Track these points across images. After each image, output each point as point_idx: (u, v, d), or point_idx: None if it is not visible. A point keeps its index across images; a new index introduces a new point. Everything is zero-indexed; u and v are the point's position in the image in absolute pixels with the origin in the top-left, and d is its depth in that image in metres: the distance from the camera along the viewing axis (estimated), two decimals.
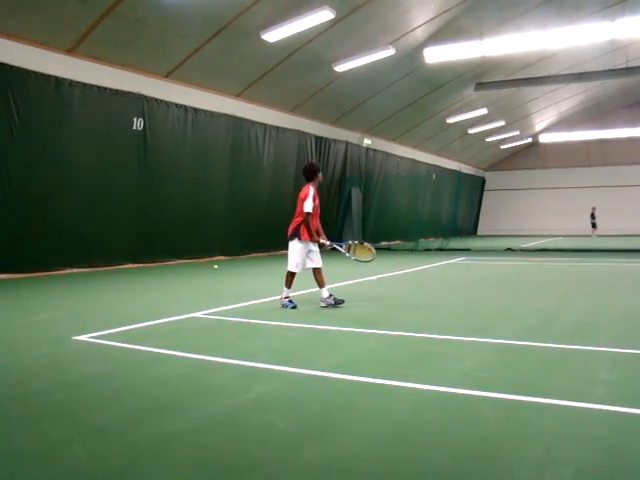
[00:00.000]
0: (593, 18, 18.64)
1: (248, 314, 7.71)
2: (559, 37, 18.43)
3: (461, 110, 27.62)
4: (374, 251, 9.15)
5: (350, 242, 9.39)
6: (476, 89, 25.10)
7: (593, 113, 36.97)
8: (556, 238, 32.68)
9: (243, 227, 18.74)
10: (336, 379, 4.63)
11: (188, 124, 16.47)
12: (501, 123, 31.88)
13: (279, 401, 4.12)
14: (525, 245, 25.27)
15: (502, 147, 38.53)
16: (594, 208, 34.51)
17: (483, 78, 24.49)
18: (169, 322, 7.08)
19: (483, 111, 28.12)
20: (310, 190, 8.45)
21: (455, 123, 28.92)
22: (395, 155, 29.12)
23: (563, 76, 25.27)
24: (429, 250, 22.60)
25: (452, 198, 34.98)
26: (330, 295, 8.39)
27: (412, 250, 23.03)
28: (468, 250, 22.15)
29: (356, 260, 9.25)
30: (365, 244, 9.33)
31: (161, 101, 15.54)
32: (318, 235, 8.57)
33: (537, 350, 5.69)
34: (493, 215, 42.26)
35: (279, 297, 8.46)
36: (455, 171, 34.27)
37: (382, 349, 5.82)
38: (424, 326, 6.89)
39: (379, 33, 17.83)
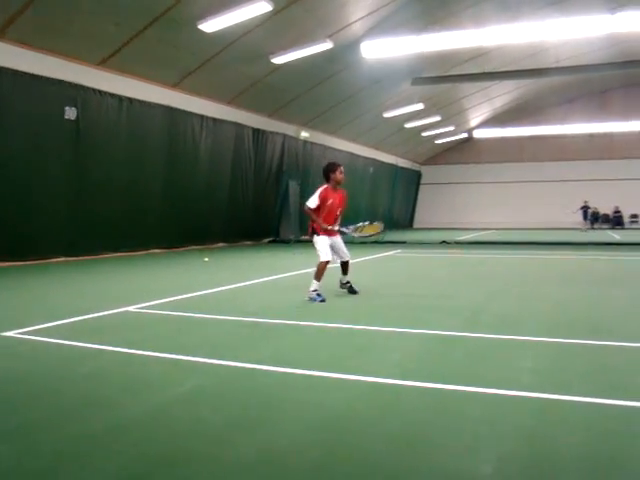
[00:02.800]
0: (526, 18, 19.09)
1: (183, 307, 7.65)
2: (494, 35, 18.84)
3: (398, 104, 27.93)
4: (381, 227, 9.85)
5: (360, 224, 9.80)
6: (413, 84, 25.41)
7: (526, 110, 37.92)
8: (489, 231, 33.40)
9: (180, 219, 18.53)
10: (270, 371, 4.64)
11: (123, 114, 16.16)
12: (437, 118, 32.37)
13: (212, 395, 4.12)
14: (459, 238, 25.75)
15: (437, 142, 39.16)
16: (586, 202, 34.80)
17: (420, 73, 24.81)
18: (101, 317, 6.95)
19: (419, 106, 28.51)
20: (319, 189, 8.54)
21: (392, 117, 29.23)
22: (333, 148, 29.23)
23: (497, 73, 25.83)
24: (365, 243, 22.77)
25: (389, 191, 35.37)
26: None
27: (350, 243, 23.12)
28: (404, 243, 22.44)
29: (360, 236, 9.78)
30: (375, 223, 9.82)
31: (95, 90, 15.20)
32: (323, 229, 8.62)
33: (467, 340, 5.84)
34: (429, 208, 42.96)
35: (310, 289, 8.31)
36: (392, 165, 34.65)
37: (317, 341, 5.86)
38: (359, 318, 6.95)
39: (317, 26, 17.86)
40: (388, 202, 36.20)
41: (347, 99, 24.95)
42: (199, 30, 15.21)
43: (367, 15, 18.69)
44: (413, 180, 42.67)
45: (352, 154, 31.49)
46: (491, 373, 4.63)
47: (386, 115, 28.71)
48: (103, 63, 15.30)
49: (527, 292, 9.32)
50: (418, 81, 25.29)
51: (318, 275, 8.40)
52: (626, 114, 35.78)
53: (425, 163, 43.36)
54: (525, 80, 29.62)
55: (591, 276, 11.73)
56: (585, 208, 34.19)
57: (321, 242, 8.62)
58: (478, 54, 23.74)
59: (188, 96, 18.50)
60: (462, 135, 39.63)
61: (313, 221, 8.63)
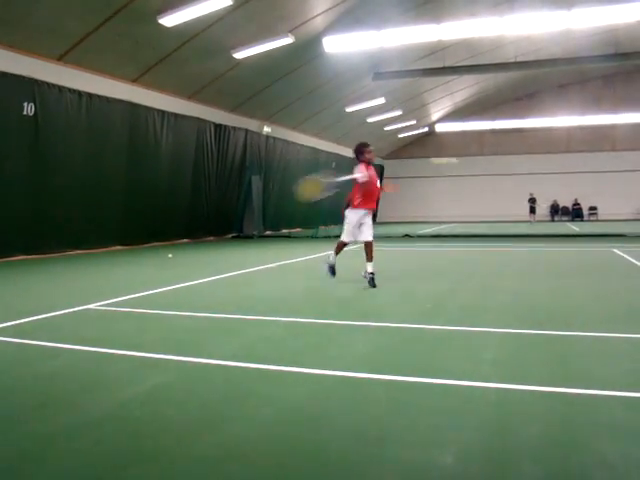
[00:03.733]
0: (485, 13, 19.30)
1: (145, 304, 7.60)
2: (453, 30, 19.03)
3: (360, 99, 28.02)
4: None
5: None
6: (374, 79, 25.51)
7: (486, 104, 38.37)
8: (451, 224, 33.74)
9: (142, 216, 18.33)
10: (233, 367, 4.65)
11: (82, 110, 15.91)
12: (399, 112, 32.57)
13: (174, 392, 4.11)
14: (422, 231, 26.00)
15: (399, 136, 39.37)
16: (532, 194, 35.87)
17: (381, 68, 24.91)
18: (61, 315, 6.87)
19: (381, 100, 28.64)
20: (359, 166, 9.01)
21: (354, 112, 29.31)
22: (295, 143, 29.22)
23: (457, 68, 26.07)
24: (329, 237, 22.86)
25: (351, 185, 35.43)
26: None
27: (312, 237, 23.24)
28: None
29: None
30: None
31: (53, 85, 14.93)
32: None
33: (429, 332, 5.92)
34: (392, 202, 43.05)
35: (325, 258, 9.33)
36: (354, 159, 34.69)
37: (280, 336, 5.88)
38: (321, 312, 7.00)
39: (278, 21, 17.82)
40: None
41: (309, 94, 24.96)
42: (159, 24, 15.06)
43: (328, 10, 18.71)
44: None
45: (315, 149, 31.53)
46: (452, 364, 4.69)
47: (348, 110, 28.78)
48: (62, 58, 15.05)
49: (487, 284, 9.47)
50: (379, 76, 25.39)
51: (337, 250, 9.18)
52: (583, 109, 36.46)
53: (388, 157, 43.57)
54: (485, 75, 29.98)
55: (549, 267, 11.95)
56: (532, 201, 35.00)
57: (348, 220, 8.98)
58: (438, 49, 23.92)
59: (149, 91, 18.32)
60: (424, 129, 39.94)
61: (358, 193, 8.95)
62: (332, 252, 9.23)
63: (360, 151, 9.12)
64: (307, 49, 20.16)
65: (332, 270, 9.22)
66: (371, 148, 9.15)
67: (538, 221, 35.06)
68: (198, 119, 20.86)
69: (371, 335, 5.86)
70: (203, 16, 15.16)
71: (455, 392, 4.05)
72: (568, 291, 8.62)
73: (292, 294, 8.71)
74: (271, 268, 12.14)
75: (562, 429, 3.37)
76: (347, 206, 9.06)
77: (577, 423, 3.46)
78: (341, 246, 9.11)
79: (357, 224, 8.94)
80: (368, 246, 8.92)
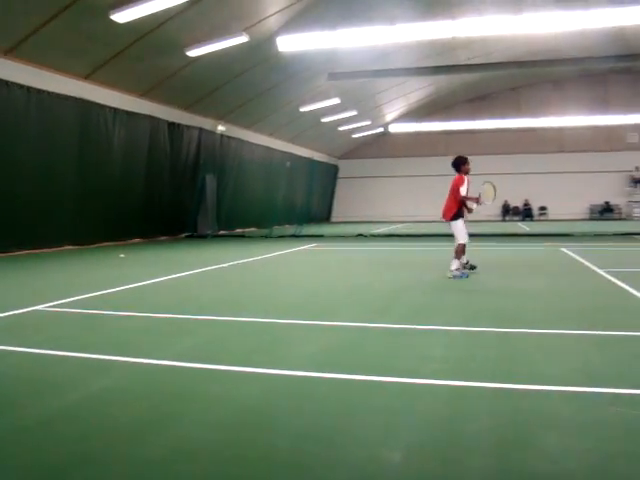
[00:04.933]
0: (438, 16, 19.48)
1: (95, 305, 7.50)
2: (406, 31, 19.20)
3: (314, 99, 28.07)
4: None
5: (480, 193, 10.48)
6: (329, 79, 25.57)
7: (439, 106, 38.80)
8: (405, 224, 34.04)
9: (93, 215, 18.02)
10: (182, 368, 4.64)
11: (32, 106, 15.56)
12: (353, 113, 32.72)
13: (122, 393, 4.08)
14: (375, 231, 26.18)
15: (354, 136, 39.55)
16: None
17: (336, 68, 24.99)
18: (8, 316, 6.74)
19: (336, 100, 28.74)
20: (462, 179, 10.05)
21: (309, 112, 29.35)
22: (250, 142, 29.10)
23: (411, 69, 26.31)
24: (283, 237, 22.87)
25: (306, 185, 35.54)
26: (458, 268, 9.95)
27: (266, 237, 23.20)
28: (321, 236, 22.64)
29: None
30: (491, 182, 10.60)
31: (0, 80, 14.60)
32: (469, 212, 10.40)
33: (379, 331, 5.99)
34: (346, 202, 43.35)
35: (452, 269, 9.88)
36: (309, 159, 34.80)
37: (230, 335, 5.88)
38: (272, 311, 7.01)
39: (232, 20, 17.75)
40: (305, 196, 36.40)
41: (264, 93, 24.90)
42: (112, 20, 14.83)
43: (283, 9, 18.70)
44: (330, 174, 42.97)
45: (269, 148, 31.46)
46: (402, 363, 4.77)
47: (303, 109, 28.80)
48: (10, 52, 14.71)
49: (438, 282, 9.60)
50: (334, 76, 25.47)
51: (458, 255, 10.02)
52: (533, 111, 37.22)
53: (342, 157, 43.73)
54: (438, 76, 30.34)
55: (499, 266, 12.17)
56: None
57: (460, 226, 10.06)
58: (393, 49, 24.10)
59: (101, 88, 18.03)
60: (378, 129, 40.17)
61: (463, 205, 10.14)
62: (455, 260, 9.98)
63: (462, 163, 10.18)
64: (262, 48, 20.10)
65: (470, 267, 10.39)
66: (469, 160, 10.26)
67: (490, 221, 35.56)
68: (151, 117, 20.62)
69: (321, 334, 5.91)
70: (156, 13, 14.98)
71: (405, 390, 4.11)
72: (517, 289, 8.80)
73: (244, 294, 8.69)
74: (224, 268, 12.09)
75: (508, 425, 3.46)
76: (456, 217, 10.08)
77: (523, 418, 3.55)
78: (461, 250, 10.09)
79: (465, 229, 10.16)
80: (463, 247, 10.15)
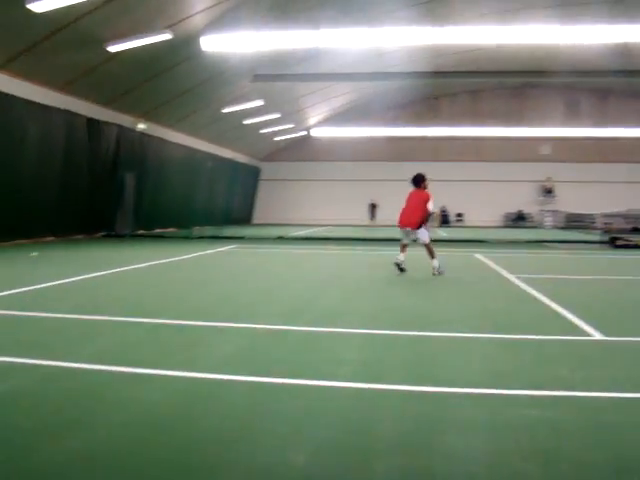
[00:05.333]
0: (363, 24, 19.75)
1: (1, 305, 7.24)
2: (330, 37, 19.40)
3: (238, 100, 27.94)
4: None
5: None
6: (252, 81, 25.53)
7: (361, 111, 39.23)
8: (324, 227, 34.26)
9: (5, 212, 17.34)
10: (91, 370, 4.53)
11: None
12: (276, 115, 32.75)
13: (24, 397, 3.94)
14: (296, 233, 26.28)
15: (276, 139, 39.59)
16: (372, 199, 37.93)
17: (260, 70, 24.97)
18: None
19: (259, 102, 28.70)
20: (430, 194, 11.26)
21: (231, 113, 29.18)
22: (171, 142, 28.65)
23: (334, 74, 26.58)
24: (203, 237, 22.67)
25: (227, 187, 35.32)
26: (439, 266, 11.04)
27: (186, 237, 22.93)
28: (242, 238, 22.54)
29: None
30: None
31: None
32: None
33: (291, 334, 6.02)
34: (268, 204, 43.30)
35: (434, 266, 11.04)
36: (231, 160, 34.61)
37: (140, 338, 5.78)
38: (186, 313, 6.95)
39: (156, 16, 17.48)
40: (227, 197, 36.16)
41: (186, 92, 24.60)
42: (27, 9, 14.32)
43: (208, 8, 18.54)
44: (252, 176, 42.84)
45: (190, 148, 31.05)
46: (313, 365, 4.80)
47: (225, 110, 28.60)
48: None
49: (354, 285, 9.74)
50: (258, 78, 25.44)
51: (432, 254, 11.16)
52: (454, 120, 38.24)
53: (264, 159, 43.67)
54: (361, 82, 30.77)
55: (414, 270, 12.44)
56: (372, 206, 37.11)
57: (424, 231, 11.24)
58: (318, 54, 24.27)
59: (14, 79, 17.36)
60: (301, 133, 40.35)
61: (426, 219, 11.37)
62: (435, 259, 11.12)
63: (423, 180, 11.39)
64: (186, 46, 19.85)
65: (400, 269, 11.06)
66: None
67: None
68: (68, 112, 20.01)
69: (233, 336, 5.88)
70: (76, 4, 14.56)
71: (314, 392, 4.14)
72: (428, 294, 9.03)
73: (158, 295, 8.59)
74: (140, 268, 11.89)
75: (414, 427, 3.54)
76: (420, 226, 11.17)
77: (429, 420, 3.64)
78: (432, 247, 11.23)
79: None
80: (406, 246, 11.38)
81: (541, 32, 19.55)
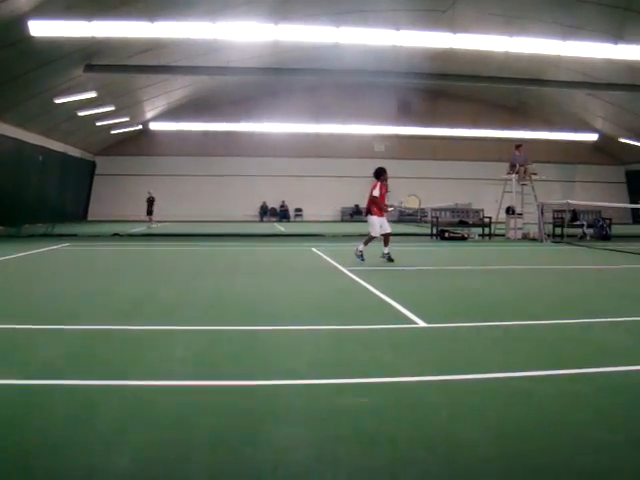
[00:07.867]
0: (199, 17, 19.55)
1: None
2: (167, 30, 19.09)
3: (70, 91, 26.62)
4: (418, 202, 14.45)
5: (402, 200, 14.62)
6: (85, 70, 24.45)
7: (201, 106, 38.78)
8: (166, 223, 33.56)
9: None
10: None
11: None
12: (111, 108, 31.55)
13: None
14: (133, 230, 25.55)
15: (112, 132, 38.21)
16: (150, 192, 33.00)
17: (94, 60, 23.96)
18: None
19: (92, 94, 27.51)
20: (378, 184, 12.49)
21: (64, 104, 27.72)
22: None
23: (173, 67, 26.12)
24: (34, 236, 21.46)
25: (60, 182, 33.65)
26: (361, 252, 12.28)
27: (14, 236, 21.58)
28: (75, 235, 21.60)
29: (406, 208, 15.53)
30: (413, 197, 14.23)
31: None
32: (384, 211, 12.57)
33: (123, 333, 5.92)
34: (105, 200, 41.59)
35: (358, 249, 12.26)
36: (63, 154, 33.02)
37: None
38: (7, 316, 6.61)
39: None
40: (59, 193, 34.39)
41: (13, 80, 23.03)
42: None
43: None
44: (87, 170, 41.03)
45: (18, 140, 29.15)
46: (143, 365, 4.75)
47: (57, 101, 27.15)
48: None
49: (190, 283, 9.65)
50: (91, 68, 24.42)
51: (366, 242, 12.40)
52: (291, 117, 38.80)
53: (100, 153, 41.97)
54: (202, 77, 30.46)
55: (254, 265, 12.62)
56: (150, 200, 32.47)
57: (374, 221, 12.36)
58: (156, 46, 23.69)
59: None
60: (138, 127, 39.24)
61: (376, 205, 12.37)
62: (361, 244, 12.37)
63: (383, 173, 12.68)
64: (10, 31, 18.61)
65: (361, 256, 12.18)
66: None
67: (248, 221, 36.44)
68: None
69: (58, 338, 5.69)
70: None
71: (143, 392, 4.10)
72: (267, 287, 9.15)
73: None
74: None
75: (239, 420, 3.60)
76: (367, 213, 12.58)
77: (257, 412, 3.72)
78: (369, 240, 12.42)
79: (379, 224, 12.30)
80: (387, 236, 12.41)
81: (377, 35, 20.79)
